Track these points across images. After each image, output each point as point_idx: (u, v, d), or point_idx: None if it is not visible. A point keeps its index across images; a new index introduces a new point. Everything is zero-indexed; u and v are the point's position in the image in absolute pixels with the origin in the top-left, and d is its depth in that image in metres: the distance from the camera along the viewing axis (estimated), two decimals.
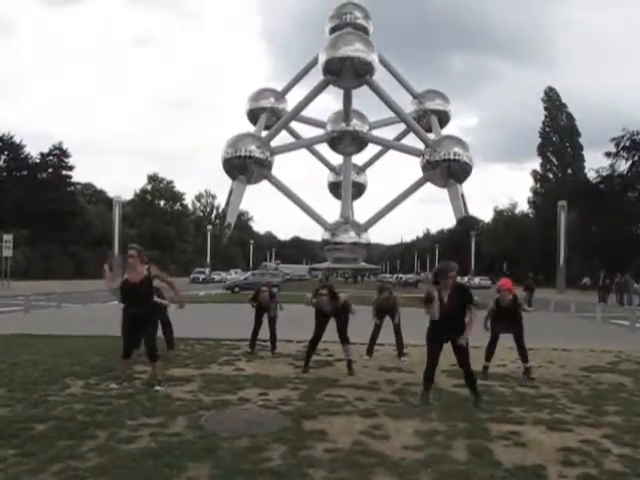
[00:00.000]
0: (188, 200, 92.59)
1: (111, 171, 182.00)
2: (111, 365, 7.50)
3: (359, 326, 9.34)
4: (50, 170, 60.65)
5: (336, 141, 63.55)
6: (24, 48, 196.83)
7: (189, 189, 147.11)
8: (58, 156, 60.98)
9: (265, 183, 60.44)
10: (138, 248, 6.53)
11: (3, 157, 59.70)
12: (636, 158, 46.71)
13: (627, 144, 46.70)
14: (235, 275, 55.45)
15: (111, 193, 66.44)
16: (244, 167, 57.54)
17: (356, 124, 63.15)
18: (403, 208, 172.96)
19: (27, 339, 10.51)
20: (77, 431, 4.65)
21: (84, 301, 20.53)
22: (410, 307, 19.40)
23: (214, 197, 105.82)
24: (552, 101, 64.78)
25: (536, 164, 66.16)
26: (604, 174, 48.03)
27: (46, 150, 60.55)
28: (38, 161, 60.19)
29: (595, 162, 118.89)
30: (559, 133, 63.92)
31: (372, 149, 68.76)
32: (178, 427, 4.85)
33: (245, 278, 37.57)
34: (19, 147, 59.56)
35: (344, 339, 7.79)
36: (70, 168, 61.83)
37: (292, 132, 67.38)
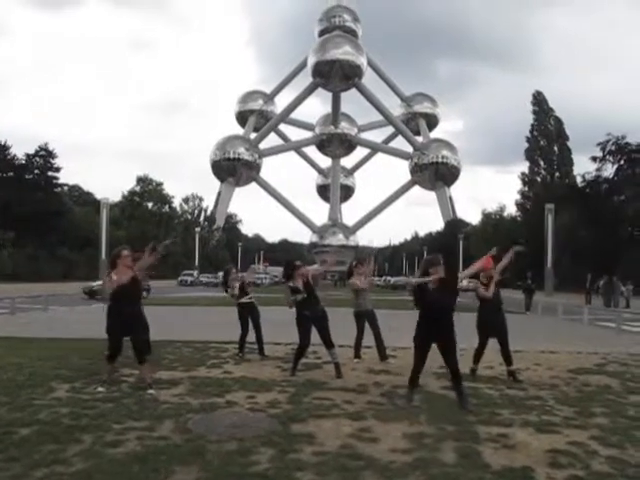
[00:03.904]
0: (176, 203, 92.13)
1: (99, 174, 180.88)
2: (97, 368, 7.43)
3: (344, 329, 9.34)
4: (36, 171, 60.18)
5: (325, 144, 63.75)
6: (12, 51, 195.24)
7: (177, 192, 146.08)
8: (44, 157, 60.50)
9: (254, 185, 60.42)
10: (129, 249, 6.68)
11: None
12: (622, 162, 47.32)
13: (612, 148, 47.33)
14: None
15: (99, 195, 65.87)
16: (233, 169, 57.56)
17: (345, 127, 63.41)
18: (391, 211, 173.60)
19: (12, 342, 10.38)
20: (62, 435, 4.59)
21: (70, 304, 20.33)
22: (399, 310, 19.58)
23: (201, 200, 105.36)
24: (540, 105, 65.27)
25: (523, 168, 66.68)
26: (590, 179, 48.58)
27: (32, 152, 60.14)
28: (24, 162, 59.70)
29: (582, 166, 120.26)
30: (547, 137, 64.40)
31: (360, 152, 69.21)
32: (165, 430, 4.80)
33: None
34: (5, 148, 59.01)
35: (328, 343, 7.73)
36: (57, 169, 61.34)
37: (281, 135, 67.48)
